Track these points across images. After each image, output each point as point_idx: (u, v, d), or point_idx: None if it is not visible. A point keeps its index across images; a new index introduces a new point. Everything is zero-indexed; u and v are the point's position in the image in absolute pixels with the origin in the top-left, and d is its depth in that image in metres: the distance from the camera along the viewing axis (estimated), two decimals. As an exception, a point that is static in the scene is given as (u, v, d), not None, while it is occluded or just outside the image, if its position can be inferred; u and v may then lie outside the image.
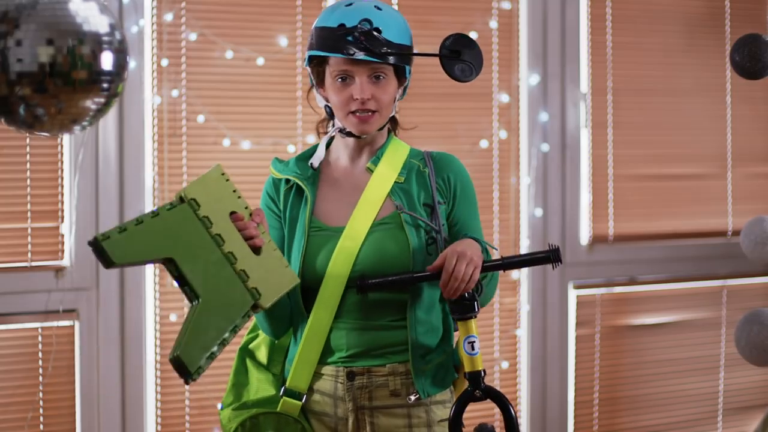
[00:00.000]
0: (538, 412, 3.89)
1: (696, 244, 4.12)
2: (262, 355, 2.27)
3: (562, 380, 3.93)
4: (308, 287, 2.17)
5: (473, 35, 3.74)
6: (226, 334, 1.96)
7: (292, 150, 3.54)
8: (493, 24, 3.81)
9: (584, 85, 3.94)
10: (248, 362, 2.28)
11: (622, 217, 4.01)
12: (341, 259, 2.14)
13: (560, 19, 3.89)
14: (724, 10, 4.14)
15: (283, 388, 2.20)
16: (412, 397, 2.17)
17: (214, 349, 1.94)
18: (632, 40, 4.01)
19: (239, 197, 2.06)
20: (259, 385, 2.23)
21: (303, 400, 2.18)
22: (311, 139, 3.54)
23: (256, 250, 2.03)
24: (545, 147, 3.87)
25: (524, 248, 3.83)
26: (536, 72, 3.86)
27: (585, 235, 3.96)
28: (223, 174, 2.06)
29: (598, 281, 4.00)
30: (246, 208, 2.06)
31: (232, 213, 2.04)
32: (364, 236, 2.15)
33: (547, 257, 2.13)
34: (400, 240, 2.16)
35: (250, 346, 2.30)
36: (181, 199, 2.00)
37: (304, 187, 2.19)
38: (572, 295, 3.95)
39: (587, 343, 3.98)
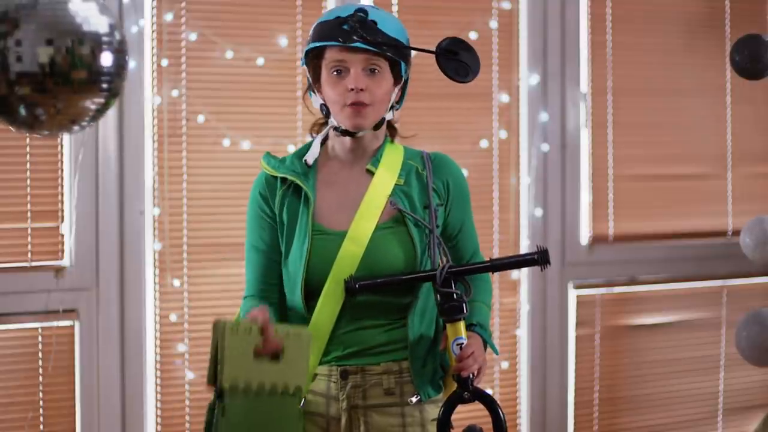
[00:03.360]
0: (538, 412, 3.89)
1: (696, 244, 4.12)
2: None
3: (562, 380, 3.93)
4: (310, 291, 2.15)
5: (473, 35, 3.75)
6: None
7: (292, 150, 3.53)
8: (493, 24, 3.81)
9: (584, 85, 3.93)
10: None
11: (622, 217, 4.01)
12: (345, 264, 2.13)
13: (560, 19, 3.89)
14: (724, 11, 4.14)
15: None
16: (414, 399, 2.17)
17: None
18: (632, 40, 4.01)
19: (251, 330, 1.99)
20: None
21: (302, 404, 2.17)
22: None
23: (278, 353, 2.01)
24: (545, 147, 3.87)
25: (524, 248, 3.82)
26: (536, 72, 3.86)
27: (585, 235, 3.96)
28: (230, 329, 1.97)
29: (598, 281, 3.99)
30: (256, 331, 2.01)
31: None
32: (368, 240, 2.14)
33: (535, 259, 2.11)
34: (405, 242, 2.16)
35: None
36: (221, 392, 1.97)
37: (305, 188, 2.18)
38: (572, 295, 3.94)
39: (587, 343, 3.98)
